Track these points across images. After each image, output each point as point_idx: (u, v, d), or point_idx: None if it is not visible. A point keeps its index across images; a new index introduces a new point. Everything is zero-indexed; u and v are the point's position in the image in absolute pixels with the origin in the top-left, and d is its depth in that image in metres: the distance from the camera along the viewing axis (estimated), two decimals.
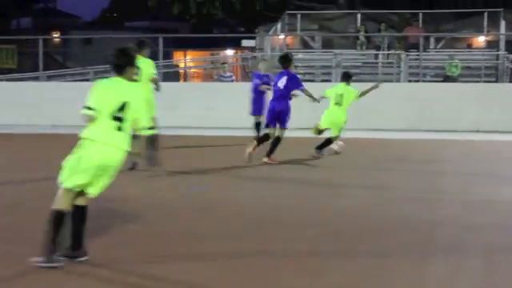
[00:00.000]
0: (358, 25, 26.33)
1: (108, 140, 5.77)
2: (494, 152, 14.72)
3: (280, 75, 12.38)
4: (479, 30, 27.28)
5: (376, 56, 24.52)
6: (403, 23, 27.80)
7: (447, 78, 22.50)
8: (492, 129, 18.26)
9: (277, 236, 7.03)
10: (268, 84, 14.63)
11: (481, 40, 33.42)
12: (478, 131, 18.23)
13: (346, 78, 13.58)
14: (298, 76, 12.99)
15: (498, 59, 23.86)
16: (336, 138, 13.41)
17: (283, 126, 12.23)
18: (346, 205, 8.79)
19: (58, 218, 5.70)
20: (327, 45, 26.25)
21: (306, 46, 26.93)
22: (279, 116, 12.16)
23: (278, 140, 12.21)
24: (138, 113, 5.95)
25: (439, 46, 26.88)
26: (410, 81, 22.33)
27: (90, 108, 5.77)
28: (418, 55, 22.75)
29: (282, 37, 25.37)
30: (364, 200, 9.17)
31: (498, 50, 24.30)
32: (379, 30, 25.77)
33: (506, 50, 23.85)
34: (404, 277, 5.75)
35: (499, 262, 6.25)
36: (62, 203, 5.74)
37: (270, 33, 26.01)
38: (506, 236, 7.23)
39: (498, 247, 6.68)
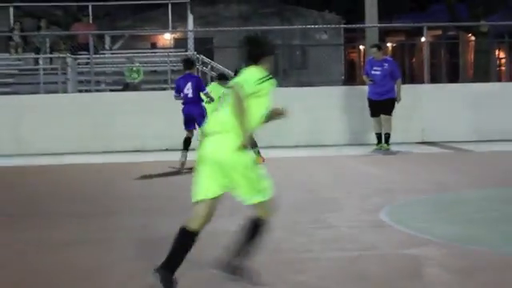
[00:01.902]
0: (12, 22, 25.73)
1: None
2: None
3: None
4: (165, 26, 27.93)
5: (36, 61, 24.12)
6: (70, 19, 27.77)
7: (127, 86, 22.73)
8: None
9: None
10: None
11: (168, 38, 34.42)
12: (166, 150, 18.56)
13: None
14: None
15: None
16: None
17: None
18: None
19: None
20: None
21: None
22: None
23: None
24: None
25: (116, 46, 27.17)
26: (80, 90, 22.24)
27: None
28: (89, 58, 22.74)
29: None
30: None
31: (186, 50, 25.09)
32: (39, 28, 25.41)
33: (195, 50, 24.69)
34: None
35: None
36: None
37: None
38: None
39: None
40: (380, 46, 18.80)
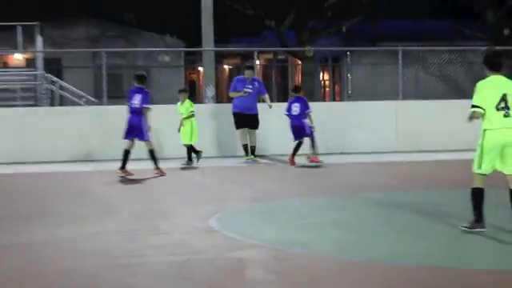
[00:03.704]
0: None
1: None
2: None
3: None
4: (15, 47, 27.30)
5: None
6: None
7: None
8: (34, 159, 18.29)
9: None
10: None
11: (18, 58, 33.71)
12: (15, 163, 18.11)
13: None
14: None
15: (35, 79, 24.13)
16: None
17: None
18: None
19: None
20: None
21: None
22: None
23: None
24: None
25: None
26: None
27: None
28: None
29: None
30: None
31: (35, 70, 24.59)
32: None
33: (44, 70, 24.25)
34: None
35: None
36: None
37: None
38: None
39: None
40: (253, 67, 19.17)
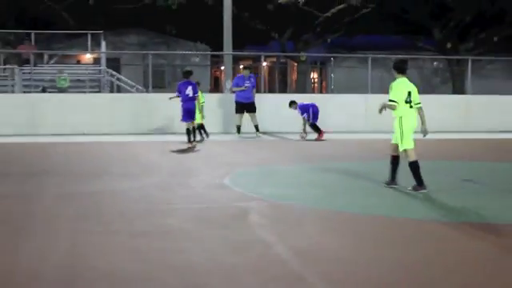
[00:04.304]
0: None
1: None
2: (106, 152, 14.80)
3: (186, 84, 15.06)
4: (85, 49, 27.53)
5: None
6: (17, 41, 26.82)
7: (44, 90, 22.39)
8: (97, 132, 18.41)
9: None
10: None
11: (88, 57, 33.87)
12: (84, 134, 18.23)
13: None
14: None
15: (100, 73, 24.28)
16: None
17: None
18: None
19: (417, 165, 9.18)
20: None
21: None
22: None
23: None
24: None
25: (52, 61, 26.46)
26: (25, 92, 21.50)
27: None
28: (30, 69, 22.15)
29: None
30: None
31: (100, 66, 24.74)
32: None
33: (106, 66, 24.39)
34: None
35: None
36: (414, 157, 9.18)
37: None
38: None
39: None
40: (249, 67, 19.16)
